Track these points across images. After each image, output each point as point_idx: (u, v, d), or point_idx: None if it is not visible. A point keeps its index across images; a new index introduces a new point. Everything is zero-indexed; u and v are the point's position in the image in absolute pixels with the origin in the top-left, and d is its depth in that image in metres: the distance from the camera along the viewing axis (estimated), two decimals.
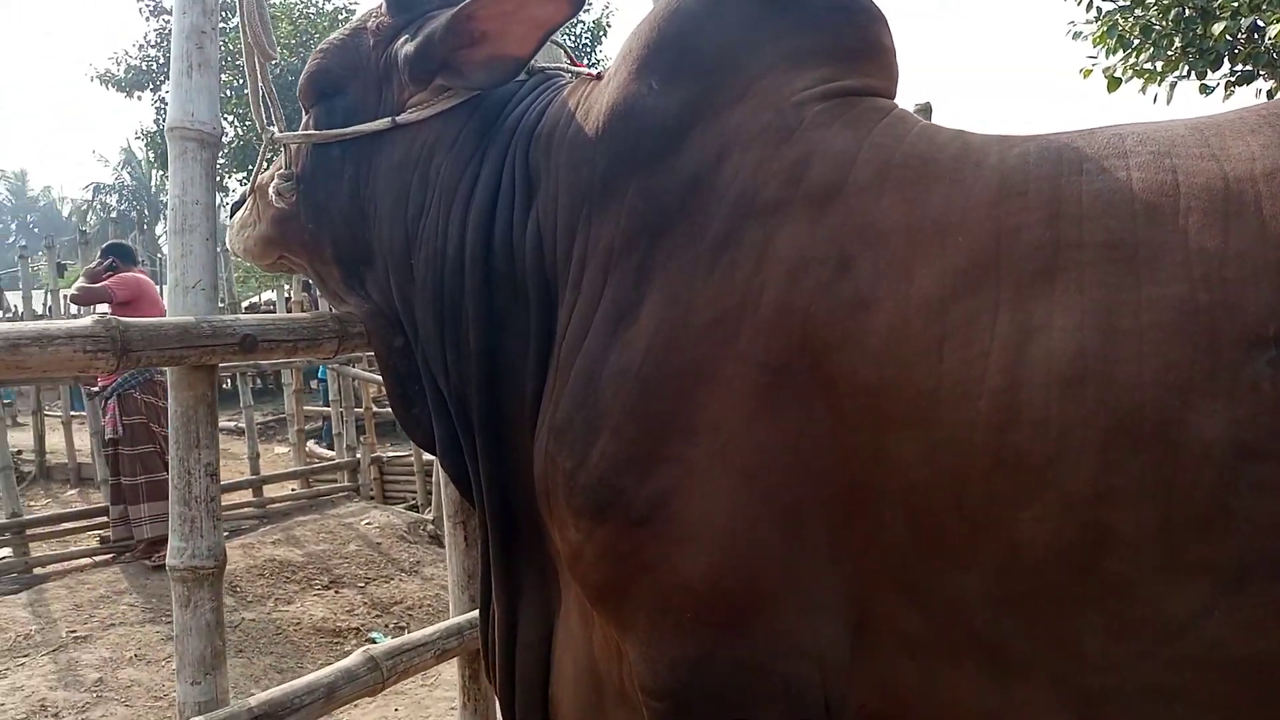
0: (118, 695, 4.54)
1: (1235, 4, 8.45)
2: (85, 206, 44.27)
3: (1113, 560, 1.09)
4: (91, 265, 6.75)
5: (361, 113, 1.73)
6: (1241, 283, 1.05)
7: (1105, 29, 9.32)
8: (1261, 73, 8.93)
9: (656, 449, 1.30)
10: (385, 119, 1.68)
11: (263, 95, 1.83)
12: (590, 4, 20.42)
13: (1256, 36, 8.49)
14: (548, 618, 1.63)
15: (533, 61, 1.74)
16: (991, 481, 1.13)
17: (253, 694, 1.79)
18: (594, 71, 1.68)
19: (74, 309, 8.61)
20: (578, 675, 1.58)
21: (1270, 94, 9.04)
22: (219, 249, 1.86)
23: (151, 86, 19.75)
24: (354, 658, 2.01)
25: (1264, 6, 8.22)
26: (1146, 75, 9.43)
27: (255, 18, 1.74)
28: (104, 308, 6.09)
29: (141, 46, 19.85)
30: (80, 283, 6.57)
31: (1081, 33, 9.80)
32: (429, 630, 2.14)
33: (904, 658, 1.26)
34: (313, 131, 1.76)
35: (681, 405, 1.29)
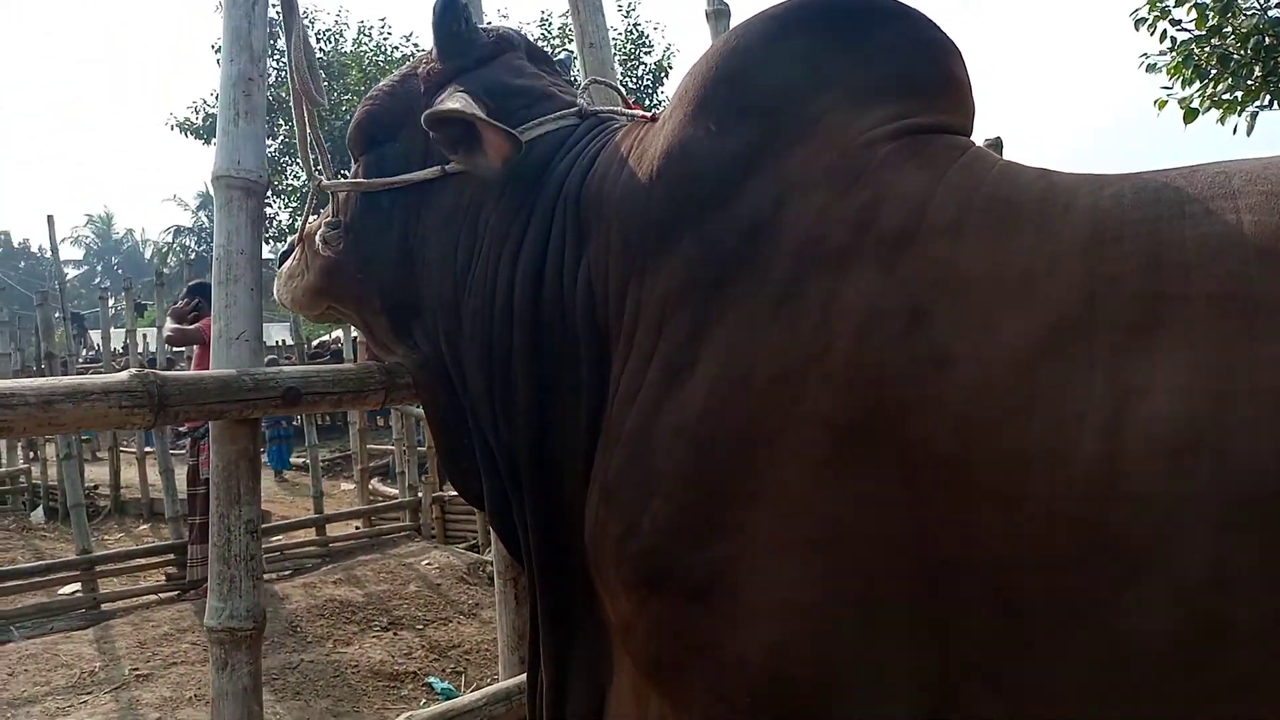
0: None
1: None
2: (165, 248, 45.85)
3: (1231, 656, 0.95)
4: (178, 304, 6.58)
5: (411, 160, 1.69)
6: None
7: (1181, 59, 9.06)
8: None
9: (713, 516, 1.20)
10: (434, 168, 1.64)
11: (311, 142, 1.80)
12: (652, 46, 20.56)
13: None
14: (599, 689, 1.54)
15: (586, 104, 1.68)
16: (1087, 562, 1.01)
17: None
18: (649, 114, 1.61)
19: (166, 348, 8.76)
20: None
21: None
22: (269, 298, 1.83)
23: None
24: None
25: None
26: (1226, 105, 9.14)
27: (303, 65, 1.72)
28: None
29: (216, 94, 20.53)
30: (170, 324, 6.43)
31: (1156, 64, 9.55)
32: (476, 695, 2.06)
33: None
34: (360, 180, 1.73)
35: (741, 468, 1.19)
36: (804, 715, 1.17)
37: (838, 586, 1.14)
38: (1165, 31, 9.28)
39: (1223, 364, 0.97)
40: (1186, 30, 9.29)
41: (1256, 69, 8.69)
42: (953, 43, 1.43)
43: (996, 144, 4.81)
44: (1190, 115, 9.27)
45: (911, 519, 1.10)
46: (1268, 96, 8.73)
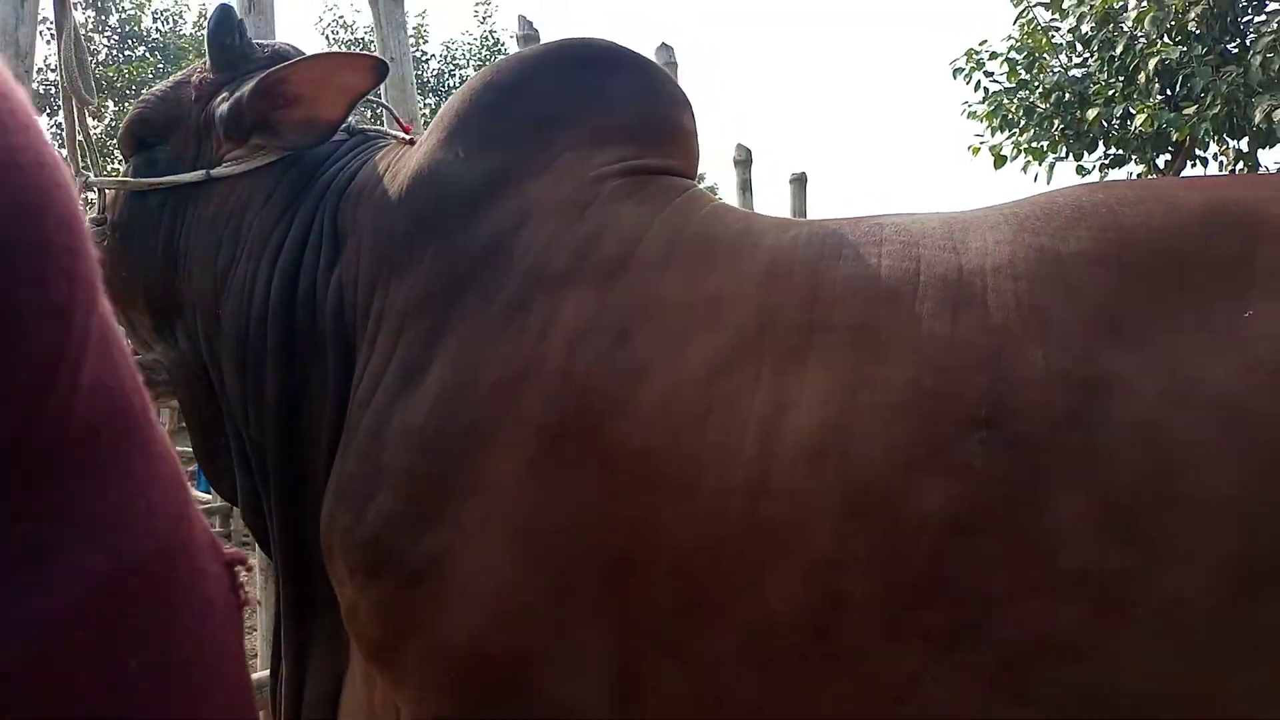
0: None
1: (1110, 92, 9.00)
2: None
3: (846, 625, 1.15)
4: None
5: (181, 164, 1.74)
6: (963, 368, 1.13)
7: (992, 109, 9.83)
8: (1132, 157, 9.50)
9: (433, 509, 1.31)
10: (200, 171, 1.69)
11: (80, 140, 1.82)
12: (506, 52, 20.60)
13: (1128, 123, 9.04)
14: (337, 677, 1.62)
15: (354, 122, 1.77)
16: (744, 547, 1.18)
17: None
18: (410, 139, 1.72)
19: None
20: None
21: (1141, 176, 9.62)
22: None
23: (48, 111, 19.22)
24: None
25: (1134, 95, 8.77)
26: (1032, 153, 9.95)
27: (73, 64, 1.74)
28: None
29: (41, 70, 19.31)
30: None
31: (976, 112, 10.32)
32: None
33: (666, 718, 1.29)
34: (128, 178, 1.76)
35: (460, 465, 1.31)
36: (503, 692, 1.30)
37: (534, 573, 1.26)
38: (979, 82, 10.06)
39: (851, 384, 1.17)
40: (998, 82, 10.09)
41: (1056, 121, 9.52)
42: (683, 94, 1.61)
43: (801, 179, 5.17)
44: (999, 161, 10.07)
45: (605, 512, 1.25)
46: (1064, 149, 9.56)
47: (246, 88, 1.63)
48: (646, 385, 1.25)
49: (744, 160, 4.80)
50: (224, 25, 1.72)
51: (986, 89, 10.05)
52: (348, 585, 1.39)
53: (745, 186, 4.84)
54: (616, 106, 1.53)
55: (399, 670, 1.37)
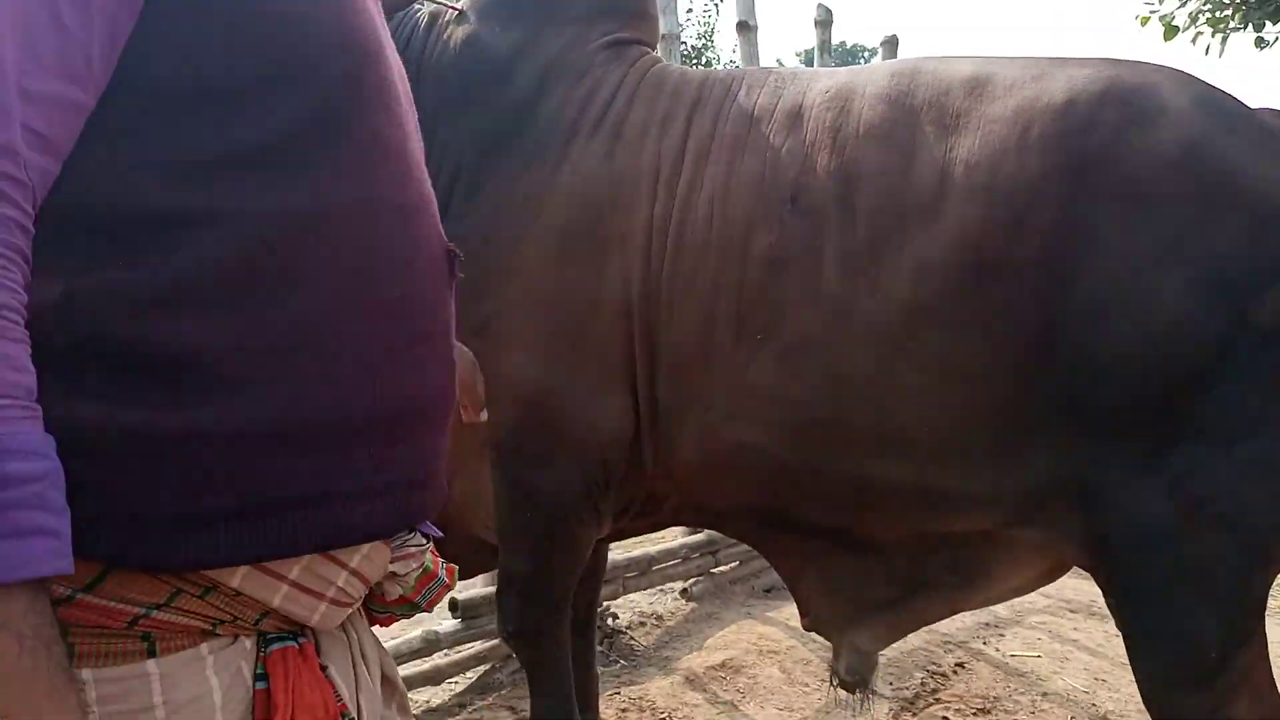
0: None
1: None
2: None
3: (717, 331, 1.85)
4: None
5: None
6: (785, 166, 1.83)
7: None
8: None
9: (486, 285, 1.88)
10: None
11: None
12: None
13: None
14: None
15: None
16: (671, 285, 1.88)
17: None
18: (459, 8, 2.19)
19: None
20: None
21: None
22: None
23: None
24: None
25: None
26: (1213, 22, 9.11)
27: None
28: None
29: None
30: None
31: None
32: None
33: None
34: None
35: (503, 255, 1.94)
36: (538, 410, 1.95)
37: (560, 329, 1.93)
38: None
39: (728, 174, 1.89)
40: None
41: None
42: None
43: (893, 41, 5.08)
44: (1170, 32, 9.22)
45: (601, 278, 1.91)
46: (1240, 19, 8.69)
47: None
48: (620, 187, 1.93)
49: (824, 20, 4.78)
50: None
51: None
52: None
53: (824, 48, 4.82)
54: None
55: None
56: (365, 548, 0.87)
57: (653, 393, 1.93)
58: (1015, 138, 1.68)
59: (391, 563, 0.92)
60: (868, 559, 2.00)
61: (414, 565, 0.95)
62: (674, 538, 4.07)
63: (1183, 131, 1.62)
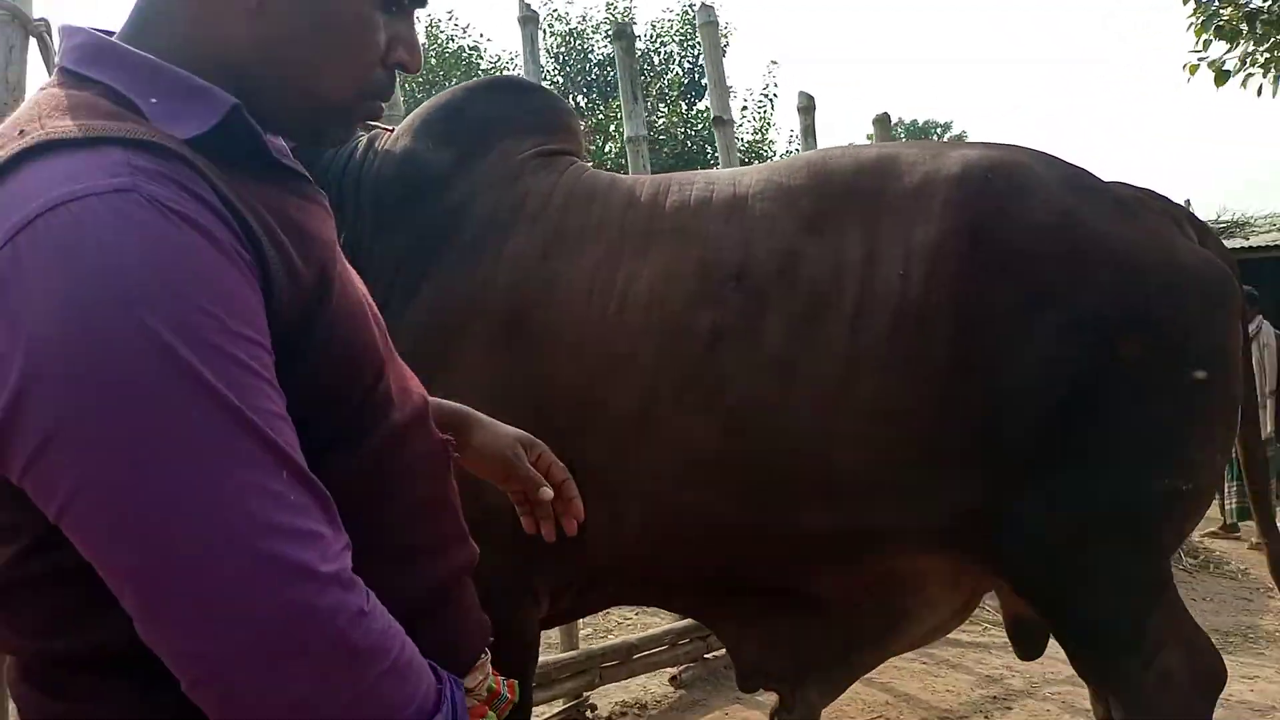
0: None
1: None
2: None
3: (658, 409, 1.99)
4: None
5: None
6: (729, 249, 2.03)
7: (1204, 19, 8.83)
8: None
9: (428, 377, 1.98)
10: None
11: None
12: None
13: None
14: None
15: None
16: (610, 371, 2.01)
17: None
18: (390, 129, 2.35)
19: None
20: None
21: None
22: None
23: None
24: None
25: None
26: (1269, 65, 8.86)
27: None
28: None
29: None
30: None
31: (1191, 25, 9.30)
32: None
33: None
34: None
35: (445, 348, 2.04)
36: (481, 491, 1.78)
37: (501, 415, 1.95)
38: None
39: (669, 262, 2.04)
40: None
41: None
42: (569, 106, 2.60)
43: (884, 118, 5.16)
44: (1221, 78, 9.01)
45: (535, 371, 2.03)
46: None
47: None
48: (557, 284, 2.07)
49: (805, 107, 4.92)
50: None
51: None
52: None
53: (808, 132, 4.95)
54: (530, 114, 2.35)
55: None
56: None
57: (592, 465, 1.97)
58: (922, 205, 1.99)
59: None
60: (806, 615, 2.21)
61: (480, 677, 1.09)
62: (661, 623, 4.05)
63: (1055, 203, 1.97)
